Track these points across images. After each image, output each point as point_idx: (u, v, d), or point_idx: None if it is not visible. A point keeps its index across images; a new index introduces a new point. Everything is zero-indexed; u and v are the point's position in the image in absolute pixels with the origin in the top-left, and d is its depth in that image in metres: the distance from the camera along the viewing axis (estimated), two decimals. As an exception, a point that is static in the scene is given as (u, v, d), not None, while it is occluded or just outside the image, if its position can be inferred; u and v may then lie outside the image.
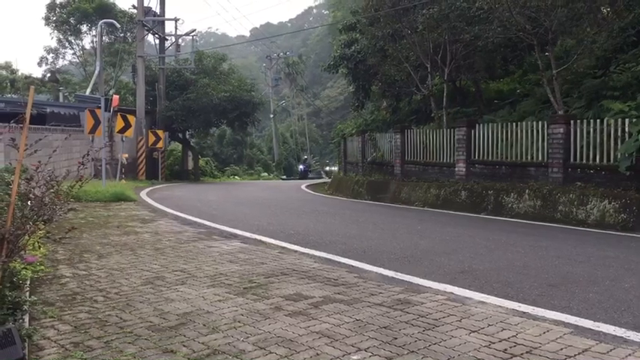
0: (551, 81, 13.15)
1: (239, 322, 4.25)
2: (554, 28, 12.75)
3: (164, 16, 30.60)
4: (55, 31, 43.86)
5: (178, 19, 30.62)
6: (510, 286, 5.54)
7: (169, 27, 32.18)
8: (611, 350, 3.69)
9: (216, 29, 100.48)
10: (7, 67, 46.54)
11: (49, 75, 44.97)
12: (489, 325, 4.20)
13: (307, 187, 26.08)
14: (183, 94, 30.94)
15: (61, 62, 47.58)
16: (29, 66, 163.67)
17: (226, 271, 6.11)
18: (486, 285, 5.56)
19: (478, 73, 17.61)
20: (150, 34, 30.48)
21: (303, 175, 45.50)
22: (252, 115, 33.64)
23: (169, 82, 31.53)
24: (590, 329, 4.14)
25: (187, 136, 35.21)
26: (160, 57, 31.13)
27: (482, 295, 5.14)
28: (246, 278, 5.74)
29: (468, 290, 5.30)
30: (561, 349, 3.71)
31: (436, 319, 4.33)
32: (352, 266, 6.46)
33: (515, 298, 5.02)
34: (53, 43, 45.48)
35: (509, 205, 12.35)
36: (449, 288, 5.38)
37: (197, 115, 30.77)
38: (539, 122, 12.71)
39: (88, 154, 3.85)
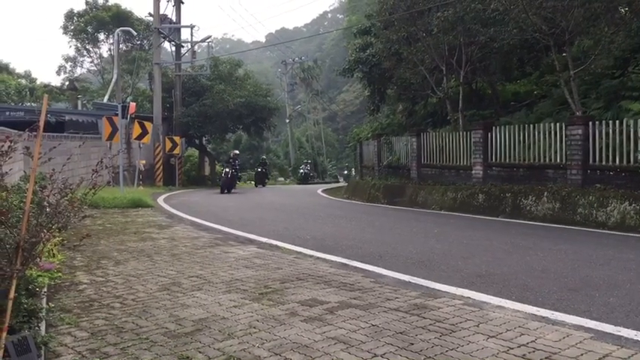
0: (568, 82, 13.00)
1: (254, 327, 4.24)
2: (571, 29, 12.62)
3: (180, 23, 30.82)
4: (73, 40, 44.49)
5: (194, 26, 30.80)
6: (529, 290, 5.46)
7: (185, 34, 32.80)
8: (632, 355, 3.62)
9: (232, 35, 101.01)
10: (27, 76, 47.24)
11: (67, 83, 45.46)
12: (507, 330, 4.14)
13: (323, 191, 26.06)
14: (199, 100, 31.12)
15: (79, 70, 48.24)
16: (48, 75, 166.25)
17: (242, 276, 6.10)
18: (504, 289, 5.49)
19: (494, 75, 17.49)
20: (166, 42, 30.72)
21: (304, 179, 43.34)
22: (267, 120, 33.77)
23: (185, 88, 31.73)
24: (610, 334, 4.07)
25: (204, 142, 35.39)
26: (177, 64, 31.34)
27: (501, 299, 5.07)
28: (261, 283, 5.73)
29: (485, 295, 5.24)
30: (581, 354, 3.64)
31: (453, 324, 4.28)
32: (368, 271, 6.42)
33: (534, 303, 4.95)
34: (71, 52, 46.03)
35: (528, 208, 12.22)
36: (466, 292, 5.32)
37: (213, 121, 30.93)
38: (557, 124, 12.56)
39: (102, 162, 3.86)
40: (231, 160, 25.83)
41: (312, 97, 65.66)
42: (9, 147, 3.57)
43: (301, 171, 45.27)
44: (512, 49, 15.59)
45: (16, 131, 10.23)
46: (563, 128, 12.28)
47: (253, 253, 7.74)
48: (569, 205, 11.37)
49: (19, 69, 47.59)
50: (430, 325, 4.28)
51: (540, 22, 12.82)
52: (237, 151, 29.57)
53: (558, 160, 12.44)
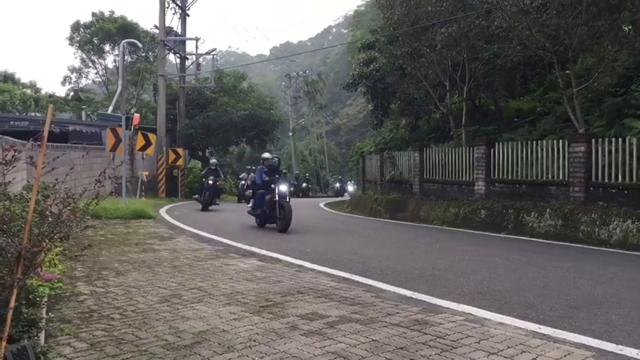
0: (571, 99, 13.03)
1: (254, 341, 4.22)
2: (575, 46, 12.66)
3: (185, 35, 30.96)
4: (79, 51, 44.72)
5: (199, 39, 31.01)
6: (530, 307, 5.44)
7: (190, 46, 32.90)
8: (634, 375, 3.59)
9: (237, 48, 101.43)
10: (32, 85, 47.47)
11: (72, 94, 45.76)
12: (509, 347, 4.12)
13: (326, 205, 26.04)
14: (203, 112, 31.23)
15: (84, 81, 48.41)
16: (53, 85, 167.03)
17: (243, 289, 6.09)
18: (506, 306, 5.47)
19: (497, 91, 17.53)
20: (171, 54, 30.86)
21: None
22: (271, 133, 33.86)
23: (190, 100, 31.84)
24: (612, 352, 4.05)
25: (207, 154, 35.45)
26: (181, 76, 31.47)
27: (502, 316, 5.05)
28: (262, 297, 5.71)
29: (487, 311, 5.22)
30: (583, 373, 3.61)
31: (454, 341, 4.25)
32: (369, 285, 6.40)
33: (535, 320, 4.92)
34: (77, 63, 46.37)
35: (530, 225, 12.19)
36: (467, 308, 5.30)
37: (216, 133, 31.02)
38: (560, 141, 12.57)
39: (104, 172, 3.87)
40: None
41: (316, 111, 65.83)
42: (12, 156, 3.59)
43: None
44: (515, 65, 15.65)
45: (20, 141, 10.26)
46: (566, 145, 12.29)
47: (254, 265, 7.73)
48: (572, 222, 11.34)
49: (25, 79, 47.83)
50: (431, 340, 4.26)
51: (544, 39, 12.87)
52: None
53: (561, 177, 12.43)
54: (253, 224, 13.54)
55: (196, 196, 20.36)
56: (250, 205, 13.75)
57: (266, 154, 14.06)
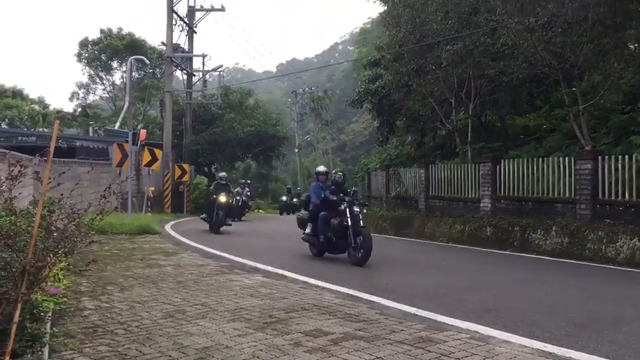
0: (577, 116, 13.02)
1: (258, 357, 4.20)
2: (581, 64, 12.68)
3: (192, 52, 31.22)
4: (87, 67, 45.07)
5: (206, 56, 31.37)
6: (536, 325, 5.40)
7: (197, 63, 33.18)
8: (641, 394, 3.55)
9: (243, 65, 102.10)
10: (40, 101, 47.84)
11: (79, 110, 46.06)
12: (514, 365, 4.08)
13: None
14: (209, 128, 31.39)
15: (91, 97, 48.70)
16: (61, 101, 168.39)
17: (247, 305, 6.07)
18: (511, 324, 5.42)
19: (503, 108, 17.55)
20: (178, 70, 31.12)
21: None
22: (277, 149, 33.98)
23: (196, 116, 32.03)
24: (619, 372, 4.00)
25: (213, 170, 35.55)
26: (188, 92, 31.68)
27: (507, 334, 5.01)
28: (266, 313, 5.69)
29: (492, 329, 5.18)
30: (589, 392, 3.58)
31: (459, 359, 4.23)
32: (374, 302, 6.37)
33: (541, 338, 4.88)
34: (84, 79, 46.56)
35: (536, 242, 12.12)
36: (472, 326, 5.26)
37: (223, 149, 31.15)
38: (566, 158, 12.53)
39: (109, 187, 3.89)
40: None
41: (322, 127, 66.02)
42: (19, 171, 3.61)
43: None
44: (521, 82, 15.68)
45: (26, 156, 10.32)
46: (572, 162, 12.25)
47: (259, 281, 7.71)
48: (578, 239, 11.27)
49: (33, 95, 48.04)
50: (435, 358, 4.23)
51: (550, 56, 12.90)
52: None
53: (567, 195, 12.37)
54: (257, 240, 13.51)
55: (204, 215, 17.55)
56: (308, 230, 11.07)
57: (321, 168, 11.77)
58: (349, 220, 9.88)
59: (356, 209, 9.99)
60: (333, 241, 10.43)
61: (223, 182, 17.58)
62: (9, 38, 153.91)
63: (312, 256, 10.93)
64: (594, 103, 13.20)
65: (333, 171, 11.60)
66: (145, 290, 6.89)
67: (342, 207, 10.13)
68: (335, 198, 10.47)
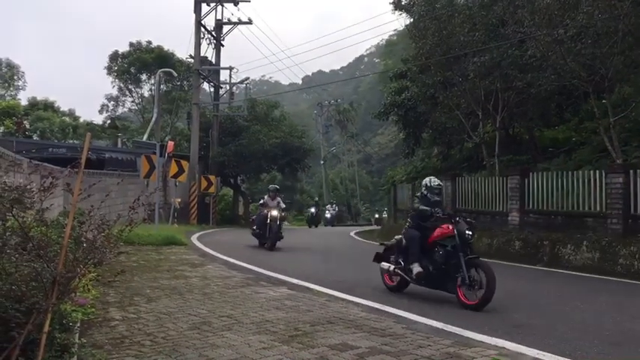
0: (608, 129, 12.80)
1: (283, 371, 4.18)
2: (611, 76, 12.49)
3: (219, 65, 31.57)
4: (117, 80, 45.84)
5: (233, 68, 31.46)
6: (567, 342, 5.28)
7: (224, 75, 33.53)
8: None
9: (270, 77, 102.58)
10: (71, 114, 48.75)
11: (109, 122, 46.80)
12: (545, 384, 3.99)
13: (356, 234, 25.90)
14: (235, 140, 31.61)
15: (120, 109, 49.46)
16: (91, 113, 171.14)
17: (272, 317, 6.05)
18: (541, 340, 5.31)
19: (532, 120, 17.34)
20: (205, 83, 31.45)
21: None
22: (302, 161, 34.05)
23: (222, 128, 32.29)
24: (655, 392, 3.88)
25: (239, 182, 35.75)
26: (215, 104, 32.00)
27: (537, 351, 4.90)
28: (292, 326, 5.67)
29: (521, 346, 5.07)
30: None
31: (488, 376, 4.14)
32: (400, 316, 6.30)
33: (572, 356, 4.77)
34: (114, 92, 47.29)
35: (566, 257, 11.91)
36: (501, 342, 5.17)
37: (248, 161, 31.32)
38: (597, 171, 12.32)
39: (138, 199, 3.92)
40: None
41: (347, 139, 66.01)
42: (50, 183, 3.66)
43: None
44: (550, 95, 15.49)
45: (58, 167, 10.51)
46: (603, 176, 12.03)
47: (284, 294, 7.69)
48: (610, 255, 11.04)
49: (64, 107, 48.75)
50: (464, 375, 4.15)
51: (579, 68, 12.73)
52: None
53: (598, 209, 12.14)
54: (281, 254, 13.40)
55: (256, 230, 15.76)
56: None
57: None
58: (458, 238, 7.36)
59: (468, 232, 7.39)
60: (430, 270, 7.66)
61: (273, 194, 16.08)
62: (42, 52, 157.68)
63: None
64: (625, 115, 12.98)
65: (430, 180, 8.60)
66: (171, 301, 6.92)
67: (450, 227, 7.52)
68: (443, 214, 7.98)
